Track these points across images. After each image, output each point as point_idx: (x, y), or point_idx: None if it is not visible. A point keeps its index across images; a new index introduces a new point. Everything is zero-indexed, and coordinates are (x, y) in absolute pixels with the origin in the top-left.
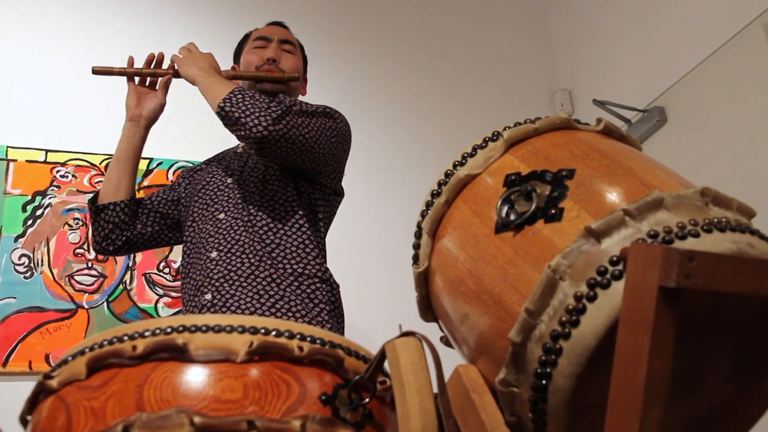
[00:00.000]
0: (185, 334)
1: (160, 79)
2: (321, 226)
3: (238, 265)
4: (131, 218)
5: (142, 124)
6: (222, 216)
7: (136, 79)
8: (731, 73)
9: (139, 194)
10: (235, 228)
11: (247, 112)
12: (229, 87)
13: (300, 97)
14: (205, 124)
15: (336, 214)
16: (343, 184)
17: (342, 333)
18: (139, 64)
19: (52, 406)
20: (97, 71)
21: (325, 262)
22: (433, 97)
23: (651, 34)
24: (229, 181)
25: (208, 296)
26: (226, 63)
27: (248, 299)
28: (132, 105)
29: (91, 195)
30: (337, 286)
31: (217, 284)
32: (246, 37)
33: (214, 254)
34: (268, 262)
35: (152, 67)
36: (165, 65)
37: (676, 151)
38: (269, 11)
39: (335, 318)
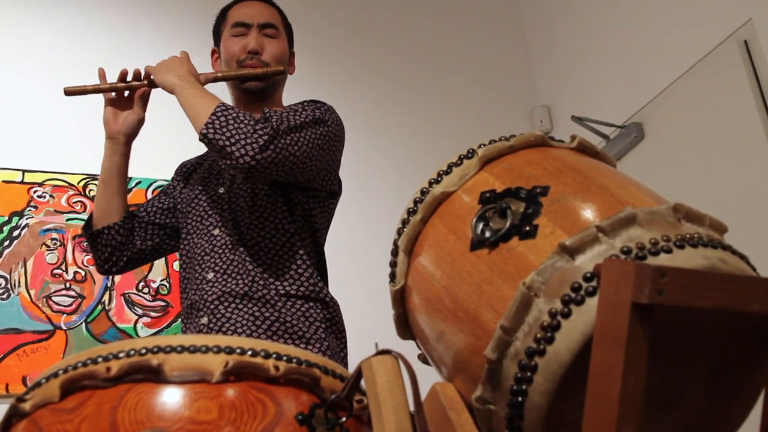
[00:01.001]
0: (160, 355)
1: (136, 92)
2: (319, 236)
3: (233, 286)
4: (129, 237)
5: (121, 140)
6: (216, 232)
7: (112, 94)
8: (708, 89)
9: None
10: (229, 246)
11: (232, 140)
12: (210, 106)
13: (289, 77)
14: (186, 141)
15: (331, 219)
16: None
17: (344, 350)
18: (112, 78)
19: (26, 429)
20: (69, 92)
21: (320, 277)
22: (411, 114)
23: (629, 50)
24: (222, 191)
25: (204, 320)
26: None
27: (244, 321)
28: (109, 121)
29: (85, 220)
30: (334, 303)
31: (212, 306)
32: (223, 14)
33: (210, 275)
34: (261, 282)
35: (127, 80)
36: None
37: (654, 166)
38: None
39: (334, 335)
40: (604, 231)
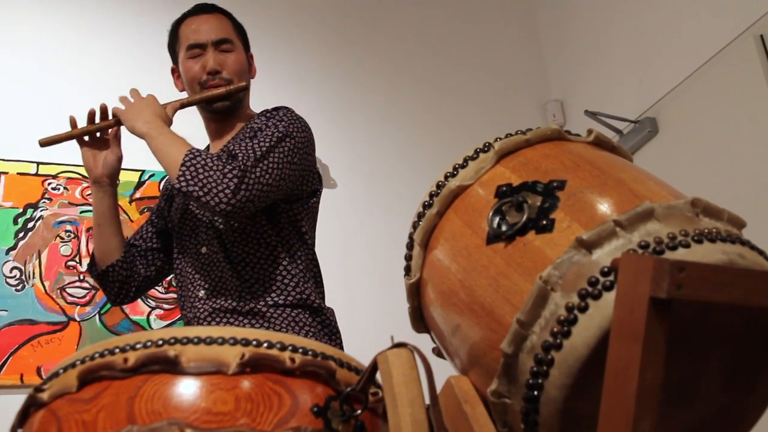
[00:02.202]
0: (177, 347)
1: (109, 131)
2: (307, 238)
3: (222, 302)
4: (132, 269)
5: (106, 182)
6: (204, 250)
7: (86, 138)
8: (722, 84)
9: (131, 207)
10: (217, 263)
11: (205, 190)
12: (180, 154)
13: (252, 81)
14: (195, 134)
15: (318, 216)
16: (335, 192)
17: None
18: (82, 120)
19: (43, 419)
20: (44, 143)
21: (315, 277)
22: (425, 108)
23: (643, 45)
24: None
25: None
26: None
27: None
28: (91, 166)
29: (87, 263)
30: (325, 308)
31: (204, 324)
32: (175, 32)
33: (201, 293)
34: (249, 296)
35: (97, 121)
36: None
37: (668, 161)
38: (260, 18)
39: (327, 338)
40: (622, 225)
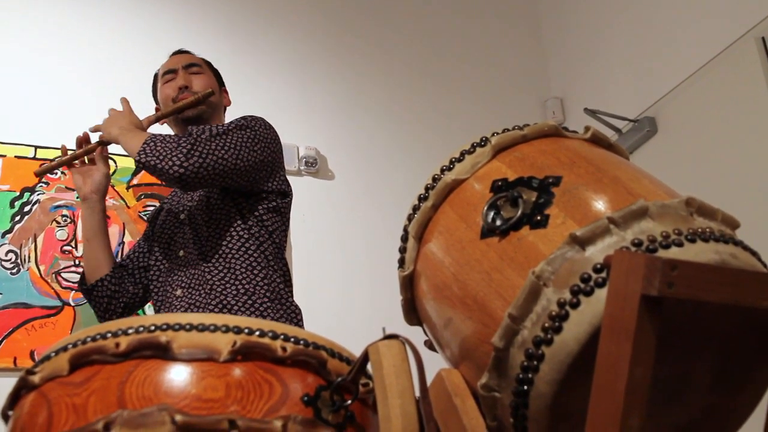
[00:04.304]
0: (169, 332)
1: (95, 152)
2: (275, 238)
3: (197, 297)
4: (121, 285)
5: (95, 199)
6: (181, 253)
7: (76, 162)
8: (722, 85)
9: (128, 193)
10: (193, 263)
11: (161, 157)
12: (143, 138)
13: (228, 109)
14: None
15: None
16: (332, 184)
17: None
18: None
19: (34, 401)
20: (39, 173)
21: (282, 277)
22: (425, 102)
23: (643, 44)
24: (182, 216)
25: None
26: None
27: None
28: (80, 185)
29: (77, 279)
30: (293, 305)
31: None
32: (155, 78)
33: (179, 292)
34: (219, 289)
35: (84, 146)
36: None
37: (666, 161)
38: (265, 12)
39: None
40: (616, 223)
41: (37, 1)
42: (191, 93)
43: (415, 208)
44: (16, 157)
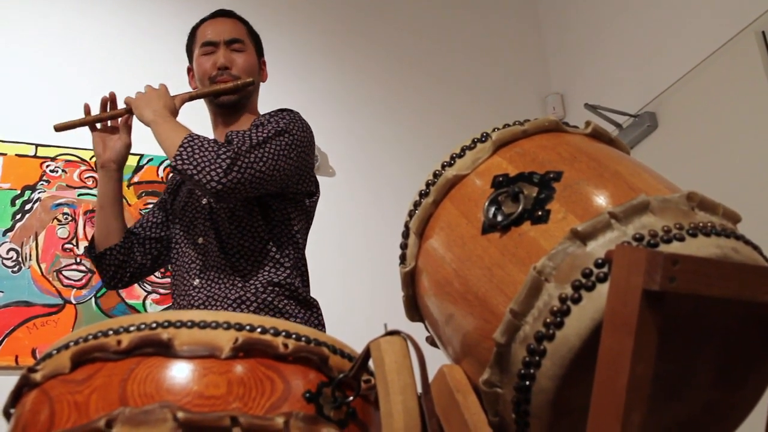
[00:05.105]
0: (170, 330)
1: (120, 119)
2: (298, 238)
3: (216, 290)
4: (129, 254)
5: (113, 168)
6: (201, 240)
7: (98, 125)
8: (723, 80)
9: (129, 191)
10: (213, 253)
11: (199, 168)
12: (179, 138)
13: (262, 85)
14: (195, 120)
15: (315, 215)
16: (333, 180)
17: None
18: (95, 108)
19: (36, 399)
20: (59, 128)
21: (301, 275)
22: (426, 98)
23: (643, 40)
24: (204, 202)
25: None
26: None
27: None
28: (100, 152)
29: (86, 245)
30: (313, 302)
31: None
32: (193, 34)
33: (196, 282)
34: (240, 285)
35: (108, 109)
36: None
37: (667, 156)
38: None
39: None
40: (617, 217)
41: (37, 0)
42: (231, 76)
43: (416, 204)
44: (16, 155)
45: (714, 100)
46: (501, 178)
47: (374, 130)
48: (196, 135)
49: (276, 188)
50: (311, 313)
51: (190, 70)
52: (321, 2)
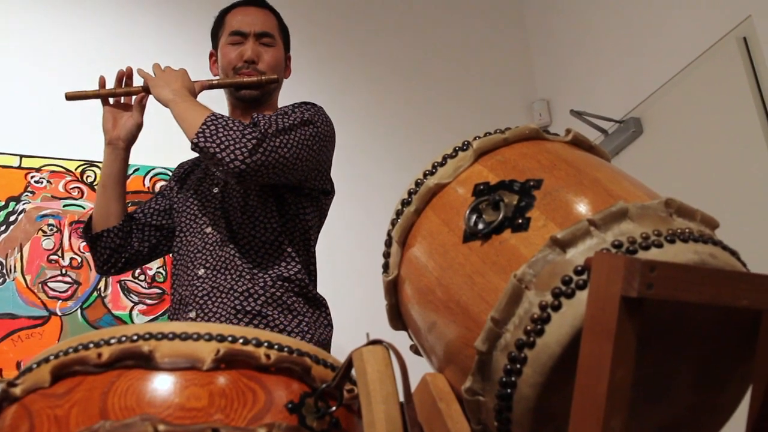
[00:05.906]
0: (151, 342)
1: (134, 97)
2: (311, 235)
3: (221, 281)
4: (127, 239)
5: (120, 146)
6: (209, 230)
7: (111, 100)
8: (706, 85)
9: None
10: (220, 244)
11: (222, 146)
12: (201, 116)
13: (284, 81)
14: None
15: (326, 215)
16: None
17: (328, 342)
18: (110, 83)
19: (16, 414)
20: (70, 96)
21: (310, 273)
22: (412, 105)
23: (628, 45)
24: (216, 190)
25: (192, 314)
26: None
27: (225, 314)
28: (109, 128)
29: (84, 223)
30: (321, 299)
31: (201, 302)
32: (221, 19)
33: (201, 272)
34: (247, 277)
35: (124, 85)
36: (138, 80)
37: (652, 161)
38: None
39: (320, 328)
40: (596, 225)
41: (21, 10)
42: (256, 71)
43: (399, 213)
44: (1, 166)
45: (698, 105)
46: (482, 187)
47: (360, 137)
48: (220, 114)
49: (295, 179)
50: (320, 312)
51: (212, 55)
52: (304, 10)
